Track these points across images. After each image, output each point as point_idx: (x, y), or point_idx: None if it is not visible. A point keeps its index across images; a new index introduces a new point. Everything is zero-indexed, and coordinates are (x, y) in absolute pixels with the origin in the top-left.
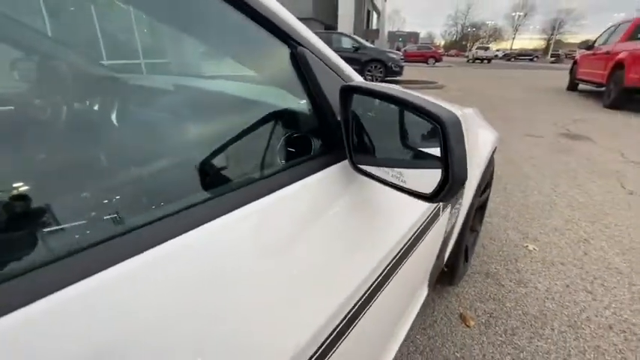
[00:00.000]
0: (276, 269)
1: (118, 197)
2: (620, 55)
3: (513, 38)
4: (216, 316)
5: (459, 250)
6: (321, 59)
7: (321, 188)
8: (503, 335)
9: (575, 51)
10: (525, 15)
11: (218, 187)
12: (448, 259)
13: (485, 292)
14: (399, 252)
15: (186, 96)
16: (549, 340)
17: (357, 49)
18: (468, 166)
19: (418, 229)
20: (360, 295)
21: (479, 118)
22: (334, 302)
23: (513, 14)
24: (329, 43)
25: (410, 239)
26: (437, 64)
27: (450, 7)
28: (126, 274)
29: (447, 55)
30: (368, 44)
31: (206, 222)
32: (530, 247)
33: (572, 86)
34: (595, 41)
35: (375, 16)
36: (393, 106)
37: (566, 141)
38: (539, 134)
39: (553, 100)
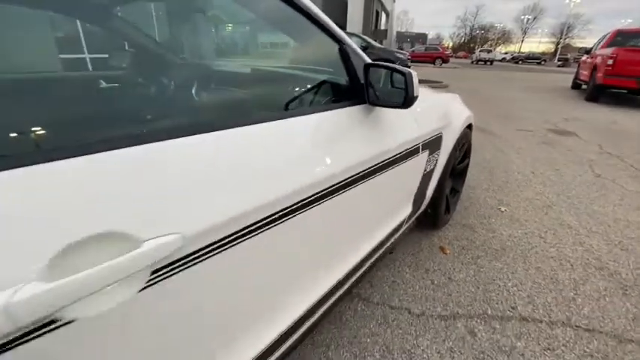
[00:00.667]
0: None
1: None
2: (595, 60)
3: (522, 41)
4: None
5: (439, 197)
6: (353, 51)
7: (351, 113)
8: (471, 259)
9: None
10: (535, 19)
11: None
12: (430, 203)
13: (461, 235)
14: (390, 157)
15: (263, 74)
16: (504, 263)
17: (365, 49)
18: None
19: (402, 152)
20: (360, 177)
21: (457, 101)
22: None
23: (522, 17)
24: None
25: (396, 155)
26: (444, 65)
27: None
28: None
29: (455, 57)
30: (376, 44)
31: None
32: (503, 209)
33: (576, 85)
34: (592, 47)
35: (383, 16)
36: (386, 71)
37: (553, 135)
38: (529, 129)
39: (546, 99)
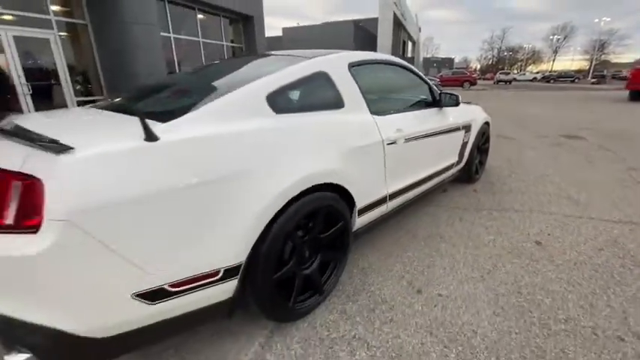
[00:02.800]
0: None
1: None
2: (632, 70)
3: (553, 60)
4: None
5: (471, 162)
6: (433, 86)
7: (437, 110)
8: (491, 194)
9: (621, 71)
10: (565, 38)
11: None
12: (466, 163)
13: (485, 185)
14: (449, 128)
15: None
16: (510, 194)
17: None
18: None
19: (453, 127)
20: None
21: (480, 109)
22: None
23: (551, 37)
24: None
25: (451, 128)
26: (472, 87)
27: (484, 31)
28: None
29: (483, 79)
30: None
31: None
32: (513, 175)
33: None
34: None
35: (410, 45)
36: (449, 94)
37: (564, 139)
38: (545, 135)
39: (562, 116)
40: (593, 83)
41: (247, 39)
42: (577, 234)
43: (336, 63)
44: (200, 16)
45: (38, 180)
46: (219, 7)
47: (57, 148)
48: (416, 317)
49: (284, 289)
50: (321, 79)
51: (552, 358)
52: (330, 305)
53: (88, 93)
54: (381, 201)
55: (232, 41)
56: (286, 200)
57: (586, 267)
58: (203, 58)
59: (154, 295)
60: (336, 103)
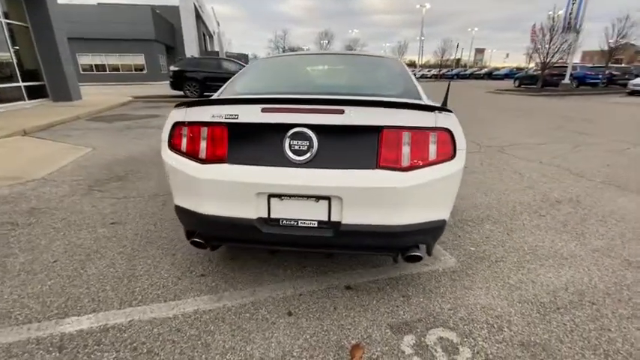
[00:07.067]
0: None
1: None
2: None
3: None
4: None
5: None
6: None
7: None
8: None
9: None
10: (329, 42)
11: None
12: None
13: None
14: None
15: None
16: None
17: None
18: None
19: None
20: None
21: None
22: None
23: (322, 42)
24: (219, 67)
25: None
26: None
27: (267, 30)
28: None
29: None
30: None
31: None
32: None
33: None
34: None
35: (209, 39)
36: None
37: None
38: None
39: None
40: None
41: (33, 11)
42: None
43: None
44: None
45: (448, 130)
46: None
47: (447, 109)
48: None
49: None
50: None
51: None
52: None
53: None
54: None
55: (6, 15)
56: None
57: None
58: None
59: None
60: None
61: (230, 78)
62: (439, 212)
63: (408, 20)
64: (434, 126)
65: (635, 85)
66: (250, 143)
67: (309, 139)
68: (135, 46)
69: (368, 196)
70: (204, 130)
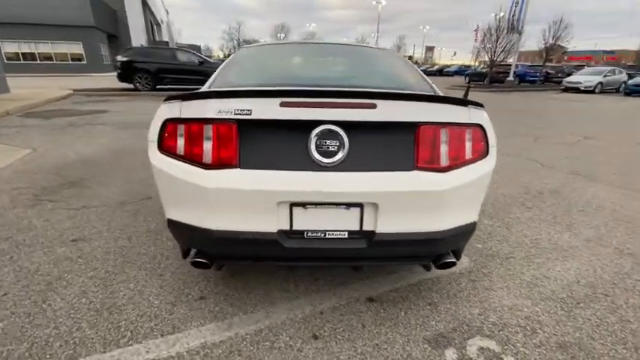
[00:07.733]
0: None
1: None
2: None
3: None
4: None
5: None
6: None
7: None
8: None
9: None
10: (285, 35)
11: None
12: None
13: None
14: None
15: None
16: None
17: (202, 63)
18: None
19: None
20: None
21: None
22: None
23: (278, 35)
24: (174, 58)
25: None
26: None
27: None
28: None
29: None
30: (211, 60)
31: None
32: None
33: None
34: None
35: (157, 28)
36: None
37: None
38: None
39: None
40: None
41: None
42: None
43: None
44: None
45: (481, 126)
46: None
47: (479, 104)
48: None
49: None
50: None
51: None
52: None
53: None
54: None
55: None
56: None
57: None
58: None
59: None
60: None
61: (186, 70)
62: (473, 214)
63: (364, 16)
64: (468, 122)
65: (568, 82)
66: (267, 144)
67: (340, 138)
68: (71, 34)
69: (406, 201)
70: (208, 129)
